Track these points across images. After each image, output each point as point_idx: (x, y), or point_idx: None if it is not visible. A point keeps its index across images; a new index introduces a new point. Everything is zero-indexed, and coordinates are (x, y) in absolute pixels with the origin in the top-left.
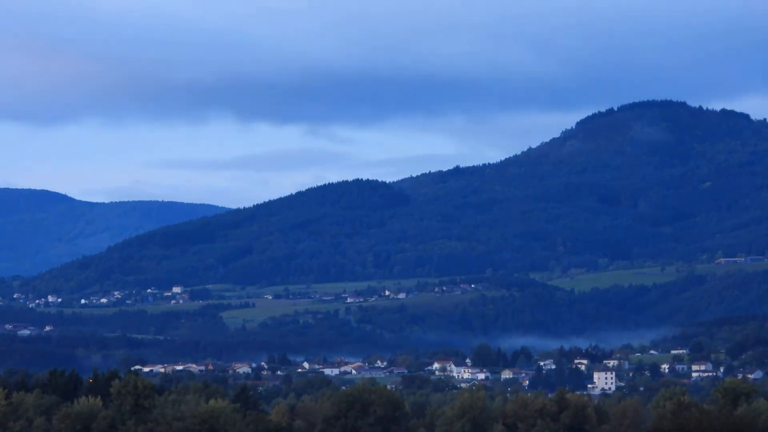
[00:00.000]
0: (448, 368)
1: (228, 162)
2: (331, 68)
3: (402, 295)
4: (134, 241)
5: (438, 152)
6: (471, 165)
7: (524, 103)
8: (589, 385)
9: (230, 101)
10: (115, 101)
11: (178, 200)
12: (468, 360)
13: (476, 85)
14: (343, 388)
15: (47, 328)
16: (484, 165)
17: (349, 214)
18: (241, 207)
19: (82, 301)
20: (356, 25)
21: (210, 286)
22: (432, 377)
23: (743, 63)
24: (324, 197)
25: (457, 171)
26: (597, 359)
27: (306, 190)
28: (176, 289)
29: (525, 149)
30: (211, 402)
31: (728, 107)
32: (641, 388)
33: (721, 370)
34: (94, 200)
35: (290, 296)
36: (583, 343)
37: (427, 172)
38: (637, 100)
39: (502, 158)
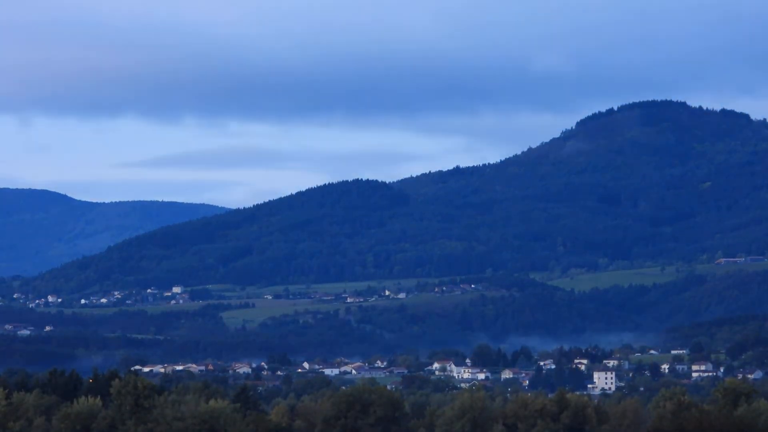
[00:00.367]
0: (448, 368)
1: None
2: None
3: (402, 295)
4: (134, 241)
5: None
6: (471, 165)
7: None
8: (589, 385)
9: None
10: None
11: (178, 200)
12: (468, 360)
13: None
14: (343, 388)
15: (47, 328)
16: (484, 165)
17: (349, 214)
18: (241, 207)
19: (82, 301)
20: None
21: (210, 286)
22: (432, 377)
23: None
24: (324, 197)
25: (457, 171)
26: (597, 359)
27: (306, 190)
28: (176, 289)
29: (525, 149)
30: (211, 402)
31: (728, 107)
32: (641, 388)
33: (721, 370)
34: (94, 200)
35: (290, 296)
36: (583, 343)
37: (427, 172)
38: (637, 100)
39: (502, 158)
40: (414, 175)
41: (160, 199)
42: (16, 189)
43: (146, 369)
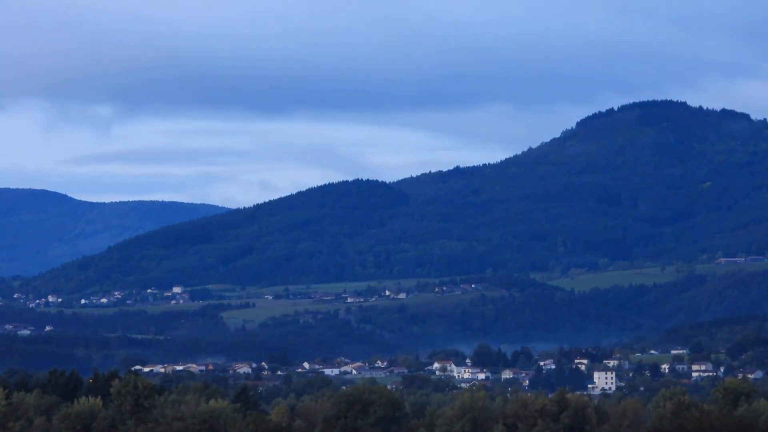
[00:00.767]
0: (448, 368)
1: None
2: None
3: (402, 295)
4: (134, 241)
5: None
6: (471, 165)
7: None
8: (589, 385)
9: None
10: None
11: (178, 200)
12: (468, 360)
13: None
14: (343, 388)
15: (47, 328)
16: (484, 165)
17: (349, 214)
18: (241, 207)
19: (82, 301)
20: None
21: (210, 286)
22: (432, 377)
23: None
24: (324, 197)
25: (457, 171)
26: (597, 359)
27: (306, 190)
28: (176, 289)
29: (525, 149)
30: (211, 402)
31: (728, 107)
32: (641, 388)
33: (721, 370)
34: (94, 200)
35: (290, 296)
36: (583, 343)
37: (427, 172)
38: (637, 100)
39: (502, 158)
40: (414, 175)
41: (160, 199)
42: (16, 189)
43: (146, 369)
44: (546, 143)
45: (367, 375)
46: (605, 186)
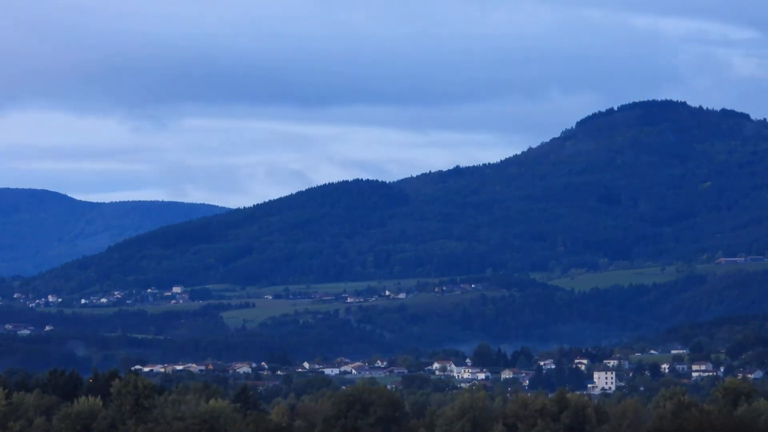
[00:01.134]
0: (448, 368)
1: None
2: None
3: (402, 295)
4: (134, 241)
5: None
6: (471, 165)
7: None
8: (589, 385)
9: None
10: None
11: (179, 200)
12: (468, 360)
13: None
14: (343, 388)
15: (47, 328)
16: (484, 165)
17: (349, 214)
18: (241, 207)
19: (82, 301)
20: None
21: (210, 286)
22: (432, 377)
23: None
24: (324, 197)
25: (457, 171)
26: (597, 359)
27: (306, 189)
28: (176, 289)
29: (525, 149)
30: (211, 402)
31: (728, 107)
32: (641, 388)
33: (721, 370)
34: (94, 200)
35: (290, 296)
36: (583, 343)
37: (427, 172)
38: (637, 100)
39: (502, 158)
40: (414, 175)
41: (160, 199)
42: (16, 189)
43: (146, 369)
44: (546, 143)
45: (367, 375)
46: (605, 186)
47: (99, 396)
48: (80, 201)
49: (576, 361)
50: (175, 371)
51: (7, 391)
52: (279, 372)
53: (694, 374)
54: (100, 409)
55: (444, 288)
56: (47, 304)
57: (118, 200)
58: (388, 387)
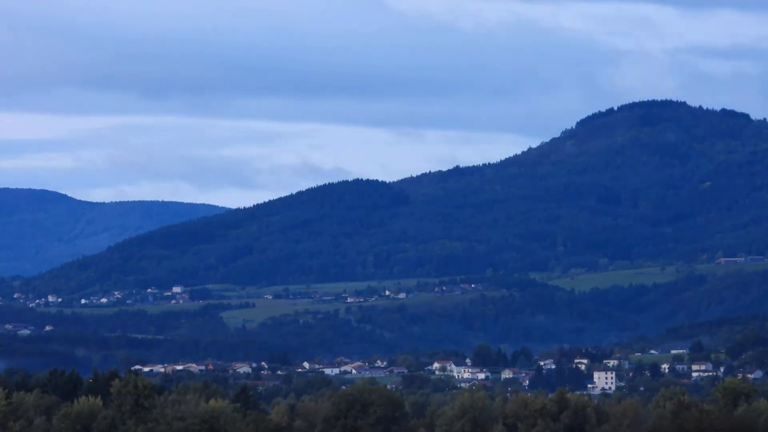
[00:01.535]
0: (448, 368)
1: None
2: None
3: (402, 295)
4: (134, 241)
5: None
6: (471, 165)
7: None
8: (589, 385)
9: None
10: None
11: (179, 200)
12: (468, 360)
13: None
14: (343, 388)
15: (47, 328)
16: (484, 165)
17: (349, 214)
18: (241, 207)
19: (82, 301)
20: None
21: (210, 286)
22: (432, 377)
23: None
24: (324, 197)
25: (457, 171)
26: (597, 359)
27: (306, 190)
28: (176, 289)
29: (525, 149)
30: (211, 402)
31: (728, 107)
32: (641, 388)
33: (721, 370)
34: (94, 200)
35: (290, 296)
36: (583, 343)
37: (427, 172)
38: (637, 100)
39: (502, 158)
40: (414, 175)
41: (160, 199)
42: (16, 189)
43: (146, 369)
44: (546, 143)
45: (367, 375)
46: (605, 186)
47: (99, 396)
48: (80, 201)
49: (576, 361)
50: (175, 371)
51: (7, 391)
52: (279, 372)
53: (694, 374)
54: (100, 409)
55: (444, 288)
56: (47, 304)
57: (118, 200)
58: (388, 387)
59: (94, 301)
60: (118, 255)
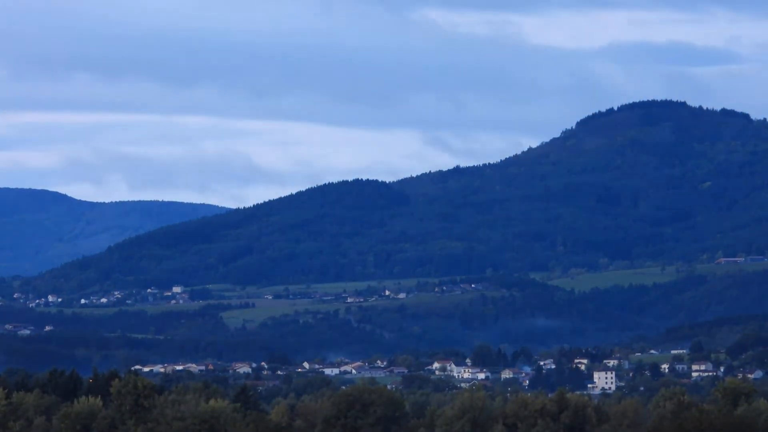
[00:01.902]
0: (448, 368)
1: None
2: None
3: (402, 295)
4: (134, 241)
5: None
6: (471, 165)
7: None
8: (589, 385)
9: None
10: None
11: (179, 200)
12: (468, 360)
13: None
14: (343, 388)
15: (47, 328)
16: (484, 165)
17: (349, 214)
18: (241, 207)
19: (82, 301)
20: None
21: (210, 286)
22: (432, 377)
23: None
24: (324, 197)
25: (457, 171)
26: (597, 359)
27: (306, 189)
28: (176, 289)
29: (525, 149)
30: (211, 402)
31: (728, 107)
32: (641, 388)
33: (721, 370)
34: (94, 200)
35: (290, 296)
36: (583, 343)
37: (427, 172)
38: (637, 100)
39: (502, 158)
40: (414, 175)
41: (160, 199)
42: (16, 189)
43: (146, 369)
44: (546, 143)
45: (367, 375)
46: (605, 186)
47: (99, 396)
48: (80, 201)
49: (576, 361)
50: (175, 371)
51: (7, 391)
52: (279, 372)
53: (694, 374)
54: (100, 409)
55: (444, 288)
56: (47, 304)
57: (118, 200)
58: (388, 387)
59: (94, 301)
60: (118, 255)
